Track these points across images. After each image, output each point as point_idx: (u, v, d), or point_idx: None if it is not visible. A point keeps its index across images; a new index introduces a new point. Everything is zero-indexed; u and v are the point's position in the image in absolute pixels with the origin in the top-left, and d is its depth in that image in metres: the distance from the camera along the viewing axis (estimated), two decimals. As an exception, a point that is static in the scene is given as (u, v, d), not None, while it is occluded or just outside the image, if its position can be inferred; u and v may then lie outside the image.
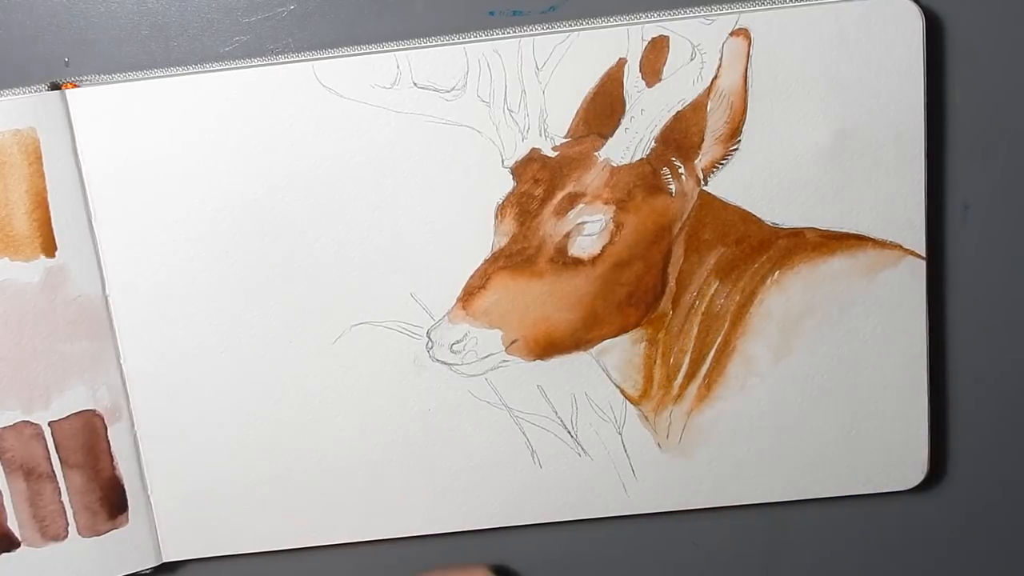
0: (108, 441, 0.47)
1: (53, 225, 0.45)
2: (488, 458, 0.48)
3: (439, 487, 0.48)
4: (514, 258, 0.45)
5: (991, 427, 0.51)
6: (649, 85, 0.44)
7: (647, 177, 0.45)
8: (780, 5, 0.43)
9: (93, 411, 0.47)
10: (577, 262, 0.45)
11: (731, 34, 0.43)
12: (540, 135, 0.44)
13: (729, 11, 0.43)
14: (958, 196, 0.48)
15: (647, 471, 0.48)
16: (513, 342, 0.46)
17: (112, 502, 0.48)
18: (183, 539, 0.49)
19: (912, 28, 0.43)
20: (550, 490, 0.48)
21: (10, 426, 0.46)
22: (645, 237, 0.45)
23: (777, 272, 0.46)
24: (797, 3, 0.43)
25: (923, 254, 0.46)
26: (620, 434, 0.48)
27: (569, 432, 0.48)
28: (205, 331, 0.46)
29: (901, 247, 0.46)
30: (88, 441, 0.47)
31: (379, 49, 0.44)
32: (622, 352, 0.47)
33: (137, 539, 0.48)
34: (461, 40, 0.44)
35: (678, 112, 0.44)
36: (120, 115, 0.44)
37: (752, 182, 0.45)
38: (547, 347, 0.46)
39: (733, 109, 0.44)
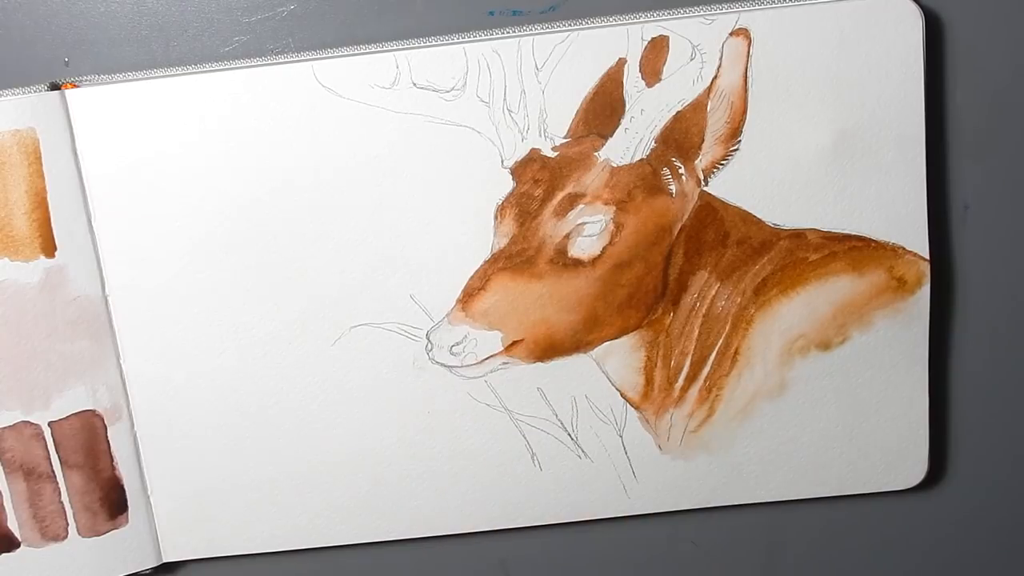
0: (108, 441, 0.47)
1: (53, 225, 0.45)
2: (488, 460, 0.48)
3: (439, 489, 0.48)
4: (514, 259, 0.45)
5: (991, 427, 0.51)
6: (649, 85, 0.44)
7: (647, 178, 0.45)
8: (780, 5, 0.43)
9: (93, 411, 0.47)
10: (577, 263, 0.45)
11: (731, 34, 0.43)
12: (540, 135, 0.44)
13: (729, 11, 0.43)
14: (958, 196, 0.47)
15: (647, 472, 0.48)
16: (513, 344, 0.46)
17: (112, 502, 0.48)
18: (183, 539, 0.49)
19: (912, 28, 0.43)
20: (550, 492, 0.48)
21: (10, 426, 0.46)
22: (645, 238, 0.45)
23: (778, 273, 0.46)
24: (797, 3, 0.43)
25: (925, 255, 0.46)
26: (620, 436, 0.48)
27: (569, 434, 0.48)
28: (205, 332, 0.46)
29: (903, 248, 0.46)
30: (88, 441, 0.47)
31: (378, 49, 0.44)
32: (622, 354, 0.47)
33: (137, 539, 0.48)
34: (460, 40, 0.44)
35: (678, 112, 0.44)
36: (119, 115, 0.44)
37: (753, 182, 0.45)
38: (547, 349, 0.46)
39: (733, 109, 0.44)
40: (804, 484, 0.49)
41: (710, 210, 0.45)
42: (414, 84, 0.44)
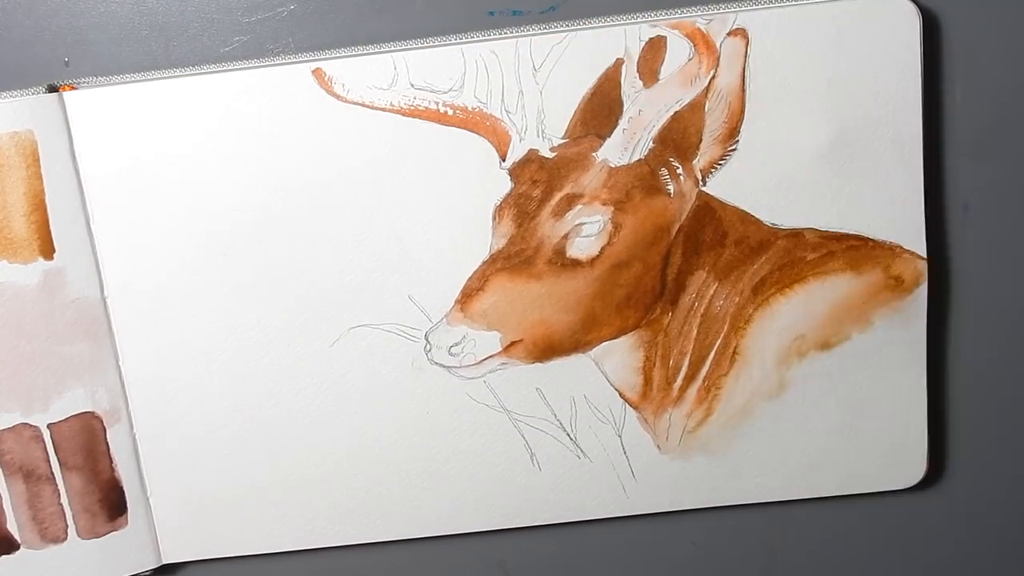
0: (107, 443, 0.47)
1: (51, 227, 0.45)
2: (487, 461, 0.48)
3: (438, 490, 0.48)
4: (512, 260, 0.45)
5: (990, 426, 0.51)
6: (647, 86, 0.44)
7: (645, 178, 0.45)
8: (777, 5, 0.43)
9: (92, 413, 0.47)
10: (575, 263, 0.45)
11: (729, 34, 0.43)
12: (538, 136, 0.44)
13: (726, 11, 0.43)
14: (958, 196, 0.47)
15: (646, 472, 0.48)
16: (512, 344, 0.46)
17: (111, 504, 0.48)
18: (182, 541, 0.49)
19: (909, 27, 0.43)
20: (549, 492, 0.48)
21: (9, 428, 0.46)
22: (644, 238, 0.45)
23: (776, 273, 0.46)
24: (794, 3, 0.43)
25: (923, 254, 0.46)
26: (619, 436, 0.48)
27: (568, 435, 0.48)
28: (203, 333, 0.46)
29: (901, 247, 0.46)
30: (87, 443, 0.47)
31: (376, 50, 0.44)
32: (621, 354, 0.47)
33: (137, 541, 0.48)
34: (458, 41, 0.44)
35: (676, 112, 0.44)
36: (117, 117, 0.44)
37: (751, 182, 0.45)
38: (546, 349, 0.46)
39: (731, 109, 0.44)
40: (803, 484, 0.49)
41: (708, 210, 0.45)
42: (412, 85, 0.44)
